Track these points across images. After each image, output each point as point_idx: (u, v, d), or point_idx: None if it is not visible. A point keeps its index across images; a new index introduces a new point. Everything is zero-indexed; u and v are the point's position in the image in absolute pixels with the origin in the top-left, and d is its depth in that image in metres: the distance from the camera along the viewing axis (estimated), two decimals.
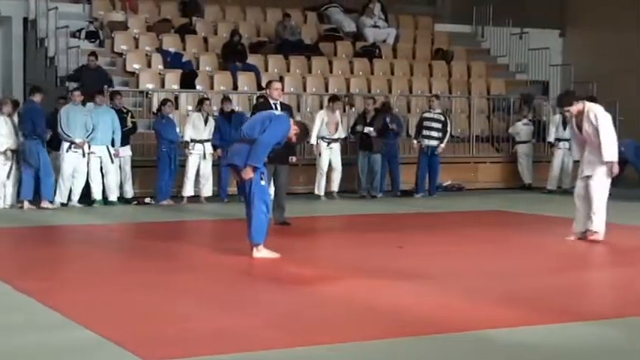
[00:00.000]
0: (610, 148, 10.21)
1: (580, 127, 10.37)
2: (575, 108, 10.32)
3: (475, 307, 6.90)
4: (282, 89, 11.81)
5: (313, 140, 15.75)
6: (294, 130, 9.23)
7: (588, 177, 10.33)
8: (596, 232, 10.27)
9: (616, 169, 10.33)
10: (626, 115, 19.88)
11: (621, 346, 5.82)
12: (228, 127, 14.83)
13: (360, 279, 8.23)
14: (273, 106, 11.43)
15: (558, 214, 13.54)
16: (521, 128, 18.56)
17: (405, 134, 18.02)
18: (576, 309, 6.87)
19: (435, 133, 16.73)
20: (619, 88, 20.70)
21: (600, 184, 10.30)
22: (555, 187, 17.51)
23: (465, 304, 7.04)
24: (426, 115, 16.94)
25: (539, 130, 18.99)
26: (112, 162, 14.43)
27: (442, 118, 16.78)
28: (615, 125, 18.51)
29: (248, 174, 8.95)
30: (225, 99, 15.60)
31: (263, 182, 9.13)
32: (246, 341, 5.83)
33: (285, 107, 12.05)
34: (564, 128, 17.42)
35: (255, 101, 15.58)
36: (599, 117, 10.25)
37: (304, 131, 9.67)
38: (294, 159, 12.18)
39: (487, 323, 6.28)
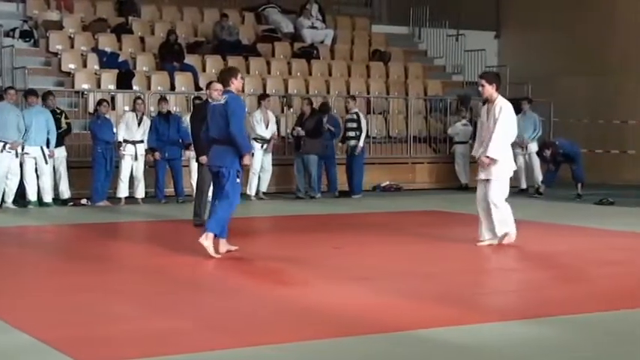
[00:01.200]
0: (497, 146, 9.70)
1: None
2: (490, 88, 9.81)
3: (411, 307, 6.92)
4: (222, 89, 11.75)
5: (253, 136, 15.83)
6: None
7: (487, 180, 9.93)
8: (505, 235, 10.00)
9: (485, 165, 9.83)
10: (560, 116, 20.23)
11: (553, 344, 5.89)
12: (165, 128, 14.75)
13: (297, 280, 8.22)
14: None
15: None
16: (460, 129, 18.73)
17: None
18: (508, 308, 6.94)
19: (351, 133, 16.84)
20: (554, 89, 21.02)
21: (495, 190, 9.86)
22: None
23: (402, 304, 7.07)
24: (346, 116, 17.08)
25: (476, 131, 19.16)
26: (47, 163, 14.22)
27: (355, 118, 16.85)
28: (549, 126, 19.05)
29: (247, 160, 9.29)
30: (162, 99, 15.49)
31: (239, 180, 9.28)
32: (187, 343, 5.78)
33: None
34: None
35: (192, 102, 15.52)
36: (503, 111, 9.75)
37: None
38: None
39: (423, 323, 6.31)
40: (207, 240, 9.05)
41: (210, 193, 10.92)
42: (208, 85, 12.03)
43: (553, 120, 19.93)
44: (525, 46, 22.99)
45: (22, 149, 14.06)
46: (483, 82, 10.01)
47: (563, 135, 19.26)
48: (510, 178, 10.16)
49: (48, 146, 14.25)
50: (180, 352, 5.50)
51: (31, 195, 14.21)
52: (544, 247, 10.43)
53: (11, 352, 5.62)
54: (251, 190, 15.97)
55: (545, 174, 17.03)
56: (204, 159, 11.50)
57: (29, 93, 14.56)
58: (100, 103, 15.05)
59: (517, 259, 9.53)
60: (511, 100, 19.39)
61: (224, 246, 9.34)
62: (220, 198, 9.27)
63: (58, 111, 14.90)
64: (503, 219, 9.94)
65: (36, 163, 14.19)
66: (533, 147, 17.44)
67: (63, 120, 14.79)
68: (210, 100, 11.59)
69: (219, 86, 11.54)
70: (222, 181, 9.24)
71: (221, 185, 9.26)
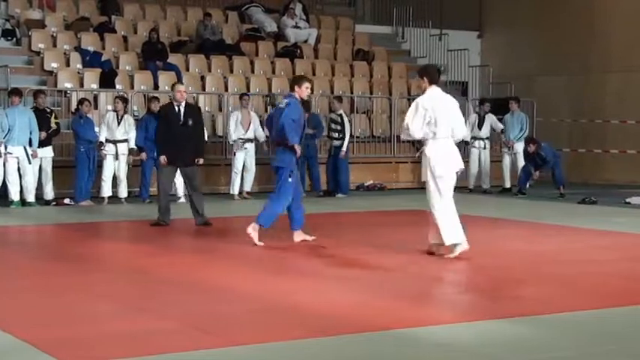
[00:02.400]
0: (406, 131, 9.25)
1: None
2: (422, 84, 9.37)
3: (390, 307, 6.94)
4: (185, 90, 11.94)
5: (233, 138, 15.85)
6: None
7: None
8: (448, 246, 9.27)
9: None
10: (543, 115, 20.31)
11: (531, 343, 5.91)
12: (155, 127, 14.62)
13: (280, 279, 8.22)
14: (176, 108, 11.71)
15: (478, 213, 13.75)
16: None
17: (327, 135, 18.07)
18: (486, 307, 6.95)
19: (334, 134, 16.83)
20: (536, 88, 21.12)
21: (432, 194, 9.32)
22: (473, 187, 17.71)
23: (381, 303, 7.08)
24: (330, 115, 17.09)
25: None
26: (30, 162, 14.15)
27: (339, 120, 16.82)
28: (533, 125, 19.10)
29: (297, 149, 9.91)
30: (154, 99, 15.47)
31: (291, 180, 9.95)
32: (171, 343, 5.77)
33: (192, 107, 12.12)
34: (480, 127, 17.68)
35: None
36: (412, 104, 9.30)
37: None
38: (200, 161, 12.08)
39: (402, 322, 6.32)
40: (254, 231, 9.90)
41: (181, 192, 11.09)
42: (172, 87, 12.15)
43: (536, 119, 19.99)
44: (508, 45, 23.07)
45: (5, 149, 13.98)
46: (419, 76, 9.74)
47: (545, 134, 19.36)
48: (456, 177, 9.43)
49: (31, 146, 14.18)
50: (165, 352, 5.49)
51: (14, 195, 14.15)
52: (525, 246, 10.46)
53: None
54: (234, 190, 15.97)
55: (520, 175, 17.09)
56: (163, 159, 11.73)
57: (13, 92, 14.48)
58: (81, 102, 14.99)
59: (497, 257, 9.54)
60: (497, 100, 19.60)
61: (299, 236, 10.17)
62: (273, 193, 10.13)
63: (48, 110, 14.82)
64: (444, 224, 9.21)
65: (19, 163, 14.12)
66: (519, 147, 17.47)
67: (52, 120, 14.68)
68: (174, 101, 11.73)
69: (182, 87, 11.87)
70: (277, 179, 10.05)
71: (277, 183, 10.05)
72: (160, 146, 11.94)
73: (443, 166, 9.17)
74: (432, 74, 9.44)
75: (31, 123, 14.18)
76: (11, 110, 14.17)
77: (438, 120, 9.11)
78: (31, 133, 14.18)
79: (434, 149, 9.19)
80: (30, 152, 14.14)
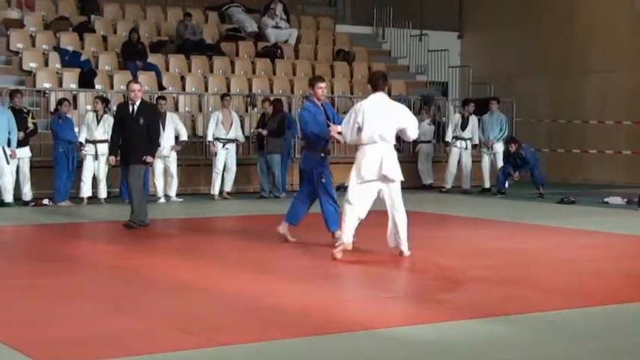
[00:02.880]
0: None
1: None
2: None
3: (373, 306, 6.97)
4: (140, 90, 11.84)
5: (210, 137, 15.83)
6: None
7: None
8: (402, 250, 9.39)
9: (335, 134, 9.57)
10: (522, 116, 20.40)
11: (513, 342, 5.94)
12: None
13: (261, 279, 8.22)
14: (130, 107, 11.65)
15: (458, 213, 13.81)
16: (427, 129, 18.74)
17: None
18: (468, 306, 6.97)
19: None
20: (516, 89, 21.20)
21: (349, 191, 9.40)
22: (451, 186, 17.75)
23: (364, 303, 7.11)
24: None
25: (440, 130, 19.26)
26: (8, 163, 14.07)
27: None
28: (512, 125, 19.16)
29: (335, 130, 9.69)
30: None
31: (323, 180, 10.14)
32: (147, 343, 5.75)
33: (146, 106, 12.04)
34: (462, 128, 17.73)
35: (155, 101, 15.46)
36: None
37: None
38: (149, 159, 11.90)
39: (385, 322, 6.34)
40: (340, 239, 9.41)
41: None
42: (127, 85, 12.08)
43: (515, 120, 20.06)
44: (488, 46, 23.15)
45: None
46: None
47: (525, 134, 19.44)
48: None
49: (9, 146, 14.09)
50: (145, 353, 5.48)
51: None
52: (504, 246, 10.50)
53: None
54: (214, 190, 15.95)
55: (498, 176, 17.16)
56: (112, 159, 11.83)
57: (16, 92, 14.40)
58: (60, 102, 14.92)
59: (475, 257, 9.57)
60: (477, 100, 19.65)
61: (284, 229, 10.31)
62: (321, 197, 10.21)
63: (25, 110, 14.71)
64: (345, 223, 9.31)
65: None
66: (499, 147, 17.53)
67: (30, 120, 14.57)
68: (129, 100, 11.70)
69: (136, 86, 11.76)
70: (312, 182, 10.20)
71: (313, 186, 10.19)
72: (112, 145, 11.94)
73: (362, 171, 9.23)
74: (373, 80, 9.54)
75: (10, 123, 14.09)
76: None
77: (363, 126, 9.17)
78: (9, 133, 14.10)
79: (358, 154, 9.33)
80: (8, 152, 14.06)
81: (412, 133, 9.61)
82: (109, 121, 14.91)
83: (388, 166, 9.22)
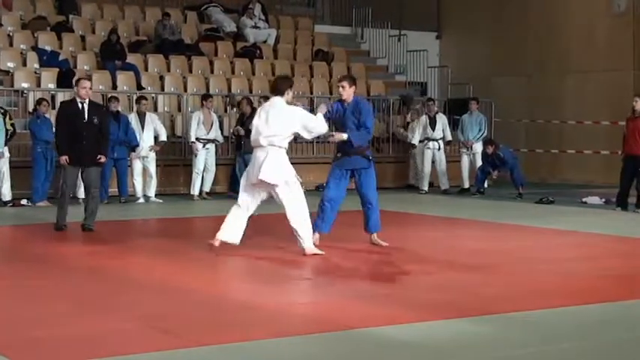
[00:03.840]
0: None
1: None
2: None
3: (354, 306, 6.97)
4: (91, 88, 11.68)
5: (192, 139, 15.80)
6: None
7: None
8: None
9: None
10: (501, 116, 20.48)
11: (496, 341, 5.97)
12: (115, 128, 14.48)
13: (241, 280, 8.21)
14: (80, 105, 11.36)
15: (436, 213, 13.86)
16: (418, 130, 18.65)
17: None
18: (449, 306, 6.99)
19: None
20: (494, 89, 21.27)
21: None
22: (427, 188, 17.77)
23: (345, 303, 7.10)
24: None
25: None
26: None
27: None
28: (491, 125, 19.23)
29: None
30: (113, 98, 15.35)
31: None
32: (126, 344, 5.74)
33: (96, 105, 11.96)
34: (433, 128, 17.77)
35: (135, 102, 15.41)
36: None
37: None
38: (102, 159, 11.76)
39: (366, 321, 6.35)
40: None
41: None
42: (76, 83, 11.76)
43: (494, 120, 20.14)
44: (466, 46, 23.22)
45: None
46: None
47: (503, 134, 19.53)
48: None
49: None
50: (124, 354, 5.46)
51: None
52: (484, 246, 10.54)
53: None
54: (194, 190, 15.92)
55: (477, 176, 17.22)
56: (64, 159, 11.36)
57: None
58: (39, 102, 14.87)
59: (454, 257, 9.60)
60: (456, 100, 19.72)
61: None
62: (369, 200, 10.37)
63: (2, 111, 14.61)
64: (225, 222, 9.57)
65: None
66: (478, 147, 17.59)
67: (7, 121, 14.40)
68: (77, 98, 11.44)
69: (87, 84, 11.49)
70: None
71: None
72: (61, 145, 11.46)
73: (247, 174, 9.57)
74: (271, 85, 9.84)
75: None
76: None
77: (252, 129, 9.49)
78: None
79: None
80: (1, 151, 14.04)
81: (307, 135, 9.81)
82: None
83: (265, 171, 9.26)
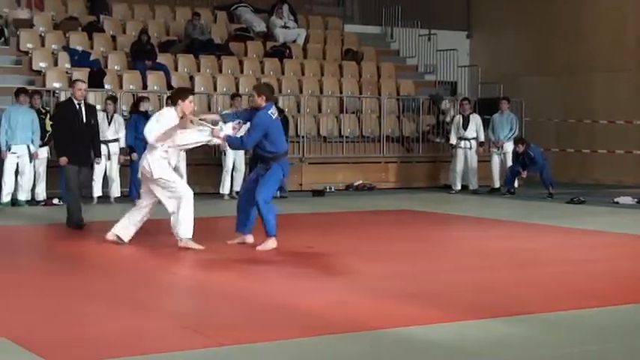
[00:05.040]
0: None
1: None
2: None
3: (385, 306, 6.96)
4: (86, 89, 11.99)
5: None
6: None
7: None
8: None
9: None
10: (531, 115, 20.35)
11: (531, 341, 5.94)
12: (143, 127, 14.56)
13: (270, 279, 8.22)
14: (77, 106, 11.55)
15: (466, 213, 13.82)
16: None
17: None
18: (482, 306, 6.96)
19: None
20: (525, 88, 21.15)
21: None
22: (460, 187, 17.70)
23: (376, 302, 7.09)
24: None
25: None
26: (31, 162, 14.14)
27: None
28: (521, 125, 19.13)
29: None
30: (144, 98, 15.47)
31: None
32: (156, 343, 5.76)
33: (91, 106, 12.12)
34: (465, 128, 17.69)
35: (163, 103, 15.46)
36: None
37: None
38: (98, 161, 12.15)
39: (397, 321, 6.34)
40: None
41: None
42: (72, 84, 11.99)
43: (524, 119, 20.03)
44: (497, 45, 23.11)
45: (9, 149, 14.00)
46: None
47: (534, 134, 19.41)
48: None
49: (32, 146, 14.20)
50: (156, 352, 5.49)
51: (5, 196, 14.13)
52: (514, 246, 10.49)
53: None
54: (224, 189, 15.94)
55: (507, 175, 17.15)
56: (64, 160, 11.54)
57: (20, 92, 14.45)
58: None
59: (483, 257, 9.56)
60: (486, 100, 19.64)
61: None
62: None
63: (43, 111, 14.74)
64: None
65: (17, 163, 14.12)
66: (509, 147, 17.50)
67: (47, 121, 14.51)
68: (74, 99, 11.58)
69: (83, 85, 11.72)
70: None
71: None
72: (61, 145, 11.71)
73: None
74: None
75: (34, 123, 14.18)
76: (15, 109, 14.17)
77: None
78: (32, 133, 14.17)
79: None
80: (32, 152, 14.16)
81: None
82: (119, 120, 14.98)
83: (145, 169, 9.88)
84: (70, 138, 11.49)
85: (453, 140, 17.76)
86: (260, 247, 9.82)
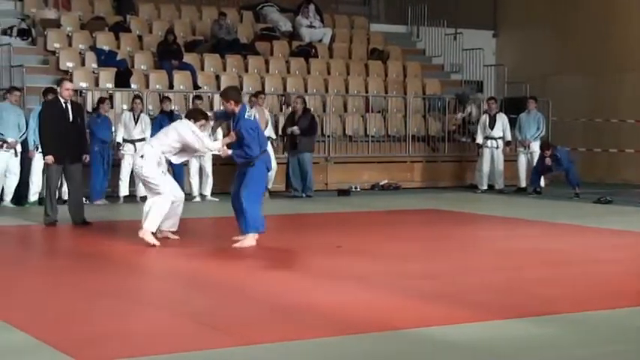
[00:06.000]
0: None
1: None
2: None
3: (410, 306, 6.95)
4: (73, 88, 12.23)
5: None
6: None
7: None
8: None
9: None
10: (558, 115, 20.25)
11: (555, 341, 5.91)
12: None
13: (296, 278, 8.23)
14: (64, 105, 11.73)
15: (493, 213, 13.76)
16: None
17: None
18: (507, 306, 6.93)
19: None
20: (551, 88, 21.04)
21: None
22: (486, 187, 17.62)
23: (401, 302, 7.08)
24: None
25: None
26: None
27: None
28: (548, 124, 19.04)
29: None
30: (166, 98, 15.54)
31: None
32: (182, 341, 5.78)
33: (77, 105, 12.32)
34: (492, 128, 17.61)
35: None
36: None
37: None
38: (87, 158, 12.33)
39: (422, 321, 6.33)
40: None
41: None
42: (59, 83, 12.15)
43: (551, 119, 19.93)
44: (523, 45, 23.00)
45: (26, 149, 14.08)
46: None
47: (560, 133, 19.31)
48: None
49: None
50: (180, 351, 5.51)
51: (33, 195, 14.24)
52: (541, 245, 10.44)
53: (11, 351, 5.62)
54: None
55: (532, 176, 17.07)
56: (50, 159, 11.72)
57: (49, 91, 14.55)
58: (102, 101, 15.07)
59: (510, 257, 9.52)
60: (512, 99, 19.53)
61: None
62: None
63: None
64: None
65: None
66: (535, 146, 17.41)
67: None
68: (60, 98, 11.73)
69: (69, 85, 11.95)
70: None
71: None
72: (47, 144, 11.83)
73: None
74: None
75: None
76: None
77: None
78: None
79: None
80: None
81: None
82: (145, 120, 15.04)
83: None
84: (57, 137, 11.70)
85: (480, 139, 17.70)
86: (237, 244, 9.86)
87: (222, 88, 18.10)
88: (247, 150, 9.95)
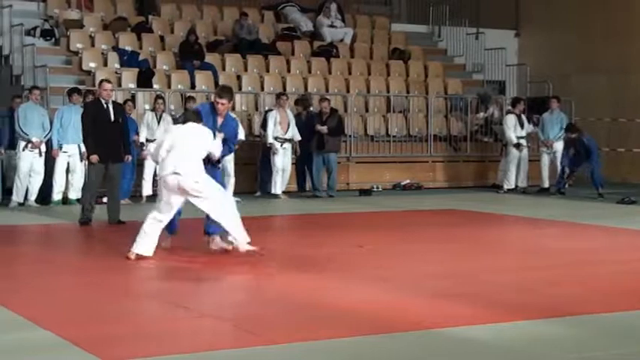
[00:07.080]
0: None
1: None
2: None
3: (431, 306, 6.93)
4: (112, 89, 12.27)
5: (270, 139, 15.81)
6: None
7: None
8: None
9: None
10: (581, 114, 20.13)
11: (574, 342, 5.87)
12: None
13: (318, 278, 8.22)
14: (104, 106, 11.79)
15: (516, 213, 13.71)
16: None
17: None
18: (527, 307, 6.90)
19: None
20: (574, 87, 20.93)
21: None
22: (513, 186, 17.52)
23: (422, 302, 7.06)
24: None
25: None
26: (82, 160, 14.30)
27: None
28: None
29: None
30: (190, 98, 15.61)
31: None
32: (204, 340, 5.79)
33: (118, 105, 12.37)
34: (522, 127, 17.51)
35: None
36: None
37: None
38: (129, 158, 12.43)
39: (442, 322, 6.30)
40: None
41: None
42: (99, 84, 12.24)
43: (574, 119, 19.82)
44: (546, 44, 22.89)
45: (45, 147, 14.14)
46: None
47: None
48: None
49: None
50: (205, 350, 5.51)
51: (56, 194, 14.31)
52: (563, 246, 10.40)
53: (35, 349, 5.65)
54: (277, 189, 15.93)
55: (557, 178, 16.97)
56: (95, 158, 11.76)
57: (73, 91, 14.63)
58: (125, 102, 15.10)
59: (533, 257, 9.48)
60: (535, 99, 19.41)
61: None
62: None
63: None
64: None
65: (68, 162, 14.29)
66: (559, 146, 17.29)
67: None
68: (101, 99, 11.76)
69: (109, 86, 11.96)
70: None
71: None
72: (91, 144, 11.89)
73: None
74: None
75: None
76: (68, 109, 14.36)
77: None
78: None
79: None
80: (83, 151, 14.31)
81: None
82: (168, 120, 15.07)
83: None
84: (99, 137, 11.75)
85: (514, 139, 17.38)
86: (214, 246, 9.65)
87: (243, 88, 18.26)
88: (229, 147, 9.84)
